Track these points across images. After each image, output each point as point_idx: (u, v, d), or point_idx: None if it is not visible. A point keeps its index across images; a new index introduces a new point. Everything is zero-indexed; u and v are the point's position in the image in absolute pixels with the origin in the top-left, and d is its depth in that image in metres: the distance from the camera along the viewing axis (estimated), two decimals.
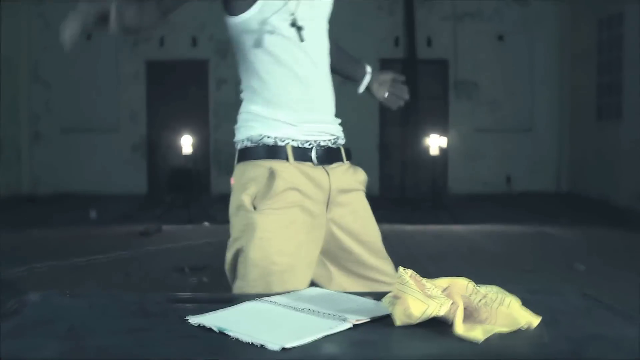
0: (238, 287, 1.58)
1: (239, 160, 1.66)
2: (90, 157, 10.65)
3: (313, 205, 1.62)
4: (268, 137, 1.62)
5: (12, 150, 10.49)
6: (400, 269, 1.05)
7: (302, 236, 1.60)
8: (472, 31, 10.83)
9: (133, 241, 6.35)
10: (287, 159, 1.61)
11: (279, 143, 1.62)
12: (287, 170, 1.60)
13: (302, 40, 1.61)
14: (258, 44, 1.61)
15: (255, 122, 1.64)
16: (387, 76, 1.96)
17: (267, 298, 1.19)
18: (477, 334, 0.96)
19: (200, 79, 10.80)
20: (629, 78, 8.75)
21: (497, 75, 10.82)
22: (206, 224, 7.49)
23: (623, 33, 8.94)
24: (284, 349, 0.92)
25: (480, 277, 1.19)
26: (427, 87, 10.62)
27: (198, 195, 8.90)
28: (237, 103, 1.72)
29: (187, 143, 8.43)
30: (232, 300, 1.18)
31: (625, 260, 5.53)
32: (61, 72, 10.65)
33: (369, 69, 1.97)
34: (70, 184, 10.51)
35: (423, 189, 9.64)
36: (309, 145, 1.65)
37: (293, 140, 1.62)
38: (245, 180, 1.60)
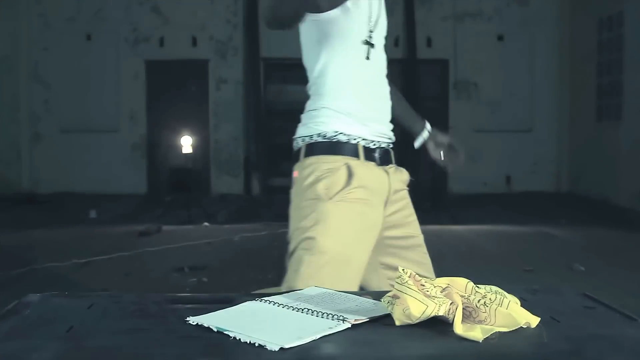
0: (299, 273, 1.59)
1: (309, 155, 1.70)
2: (90, 157, 10.64)
3: (376, 204, 1.71)
4: (342, 134, 1.68)
5: (12, 150, 10.49)
6: (400, 268, 1.05)
7: (365, 232, 1.68)
8: (472, 31, 10.83)
9: (133, 241, 6.35)
10: (358, 157, 1.69)
11: (352, 141, 1.69)
12: (360, 168, 1.67)
13: (372, 45, 1.72)
14: (342, 40, 1.69)
15: (327, 118, 1.69)
16: (445, 139, 2.03)
17: (266, 298, 1.19)
18: (477, 333, 0.96)
19: (200, 79, 10.79)
20: (629, 79, 8.75)
21: (497, 75, 10.82)
22: (206, 224, 7.50)
23: (623, 33, 8.94)
24: (282, 349, 0.92)
25: (479, 277, 1.19)
26: (427, 87, 10.62)
27: (198, 196, 8.91)
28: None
29: (187, 143, 8.44)
30: (232, 300, 1.18)
31: (625, 260, 5.54)
32: (61, 72, 10.65)
33: (428, 126, 2.04)
34: (70, 184, 10.50)
35: (423, 189, 9.64)
36: (374, 145, 1.74)
37: (363, 139, 1.70)
38: (320, 173, 1.65)
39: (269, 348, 0.92)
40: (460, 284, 1.06)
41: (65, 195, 10.15)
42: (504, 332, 0.99)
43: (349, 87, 1.70)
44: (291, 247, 1.66)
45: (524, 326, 1.02)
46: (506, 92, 10.85)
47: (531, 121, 10.99)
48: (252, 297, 1.20)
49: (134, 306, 1.18)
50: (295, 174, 1.71)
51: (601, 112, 9.74)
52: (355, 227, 1.64)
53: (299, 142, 1.74)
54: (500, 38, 10.88)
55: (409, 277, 1.02)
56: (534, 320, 1.03)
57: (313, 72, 1.75)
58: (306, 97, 1.78)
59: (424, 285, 1.02)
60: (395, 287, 1.04)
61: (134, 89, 10.77)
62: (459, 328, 0.97)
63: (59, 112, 10.76)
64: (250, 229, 7.08)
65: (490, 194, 10.41)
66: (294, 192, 1.71)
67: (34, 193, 10.40)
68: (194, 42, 10.69)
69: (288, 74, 10.69)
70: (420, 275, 1.04)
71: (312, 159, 1.68)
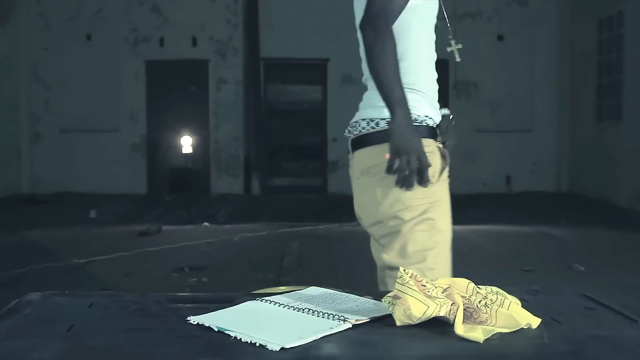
0: (426, 251, 1.64)
1: None
2: (90, 157, 10.64)
3: None
4: (430, 118, 1.73)
5: (12, 150, 10.49)
6: (401, 269, 1.05)
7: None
8: (472, 31, 10.82)
9: (133, 241, 6.35)
10: (437, 140, 1.75)
11: (434, 125, 1.75)
12: (443, 151, 1.74)
13: (451, 35, 1.89)
14: (420, 26, 1.76)
15: (416, 102, 1.68)
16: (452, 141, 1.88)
17: (267, 298, 1.19)
18: (478, 334, 0.96)
19: (200, 79, 10.79)
20: (629, 79, 8.74)
21: (497, 75, 10.81)
22: (206, 224, 7.49)
23: (623, 33, 8.94)
24: (283, 348, 0.92)
25: (480, 277, 1.19)
26: None
27: (198, 196, 8.91)
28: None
29: (187, 143, 8.43)
30: (233, 300, 1.18)
31: (625, 260, 5.53)
32: (61, 72, 10.65)
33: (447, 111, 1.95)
34: (70, 184, 10.50)
35: None
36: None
37: (436, 124, 1.77)
38: None
39: (269, 348, 0.92)
40: (461, 285, 1.06)
41: (65, 195, 10.14)
42: (505, 333, 0.99)
43: (427, 72, 1.77)
44: (405, 227, 1.64)
45: (525, 327, 1.02)
46: (506, 92, 10.85)
47: (531, 121, 10.99)
48: (253, 297, 1.20)
49: (134, 305, 1.18)
50: (387, 156, 1.60)
51: (601, 112, 9.73)
52: (450, 206, 1.75)
53: (380, 124, 1.68)
54: (500, 38, 10.88)
55: (410, 277, 1.02)
56: (534, 321, 1.03)
57: None
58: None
59: (425, 286, 1.02)
60: (396, 287, 1.04)
61: (134, 89, 10.76)
62: (459, 329, 0.97)
63: (59, 112, 10.76)
64: (250, 229, 7.07)
65: (490, 194, 10.40)
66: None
67: (34, 193, 10.40)
68: (194, 42, 10.69)
69: (288, 74, 10.69)
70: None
71: None
